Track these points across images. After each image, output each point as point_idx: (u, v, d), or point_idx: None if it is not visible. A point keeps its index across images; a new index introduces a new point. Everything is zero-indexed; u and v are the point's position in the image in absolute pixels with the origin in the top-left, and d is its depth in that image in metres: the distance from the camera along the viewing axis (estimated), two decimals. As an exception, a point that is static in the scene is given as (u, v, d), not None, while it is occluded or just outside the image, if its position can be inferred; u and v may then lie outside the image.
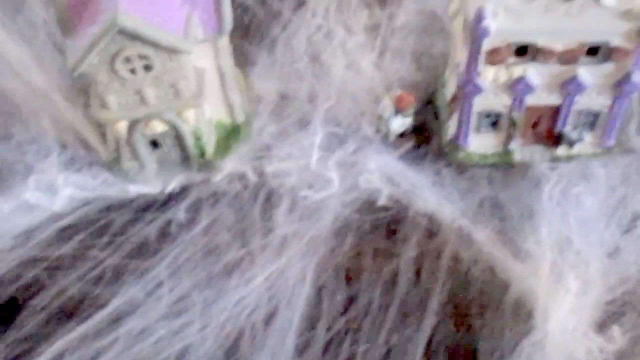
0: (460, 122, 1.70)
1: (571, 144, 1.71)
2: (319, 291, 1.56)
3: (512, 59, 1.57)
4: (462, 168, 1.73)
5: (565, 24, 1.49)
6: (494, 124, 1.71)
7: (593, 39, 1.52)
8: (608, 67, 1.57)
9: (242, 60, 1.90)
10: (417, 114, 1.79)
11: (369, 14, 2.02)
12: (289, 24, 2.00)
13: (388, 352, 1.46)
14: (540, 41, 1.52)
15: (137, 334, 1.48)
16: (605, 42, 1.52)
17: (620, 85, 1.59)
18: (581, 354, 1.43)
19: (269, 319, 1.51)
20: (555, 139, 1.72)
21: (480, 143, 1.75)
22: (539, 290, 1.49)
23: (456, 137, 1.74)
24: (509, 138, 1.72)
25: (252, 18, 2.02)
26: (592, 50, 1.55)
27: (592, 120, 1.69)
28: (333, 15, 2.03)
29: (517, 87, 1.60)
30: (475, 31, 1.50)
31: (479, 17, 1.47)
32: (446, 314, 1.51)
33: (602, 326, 1.46)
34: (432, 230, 1.62)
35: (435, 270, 1.56)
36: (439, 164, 1.74)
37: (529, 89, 1.60)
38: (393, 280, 1.56)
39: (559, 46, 1.53)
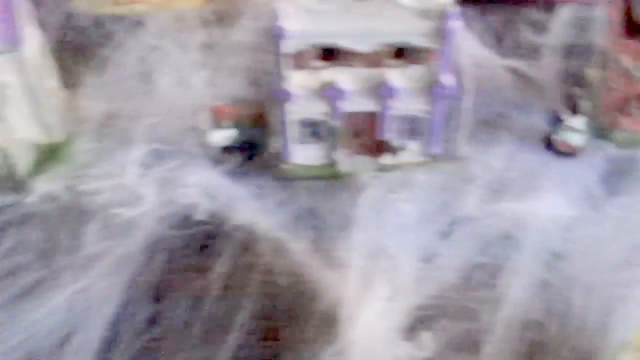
0: (279, 132, 1.66)
1: (395, 152, 1.68)
2: (122, 310, 1.46)
3: (318, 63, 1.54)
4: (286, 181, 1.68)
5: (365, 24, 1.47)
6: (316, 135, 1.67)
7: (394, 39, 1.50)
8: (417, 70, 1.55)
9: (72, 80, 1.84)
10: (248, 128, 1.74)
11: (205, 34, 1.98)
12: (123, 45, 1.95)
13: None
14: (344, 43, 1.50)
15: None
16: (408, 43, 1.50)
17: (432, 88, 1.57)
18: (387, 362, 1.35)
19: (64, 342, 1.41)
20: (378, 148, 1.69)
21: (304, 155, 1.70)
22: (347, 298, 1.42)
23: (280, 150, 1.69)
24: (332, 148, 1.68)
25: (85, 39, 1.97)
26: (399, 53, 1.53)
27: (414, 127, 1.66)
28: (170, 35, 1.98)
29: (328, 93, 1.57)
30: (272, 33, 1.46)
31: (274, 18, 1.44)
32: (253, 328, 1.43)
33: (411, 332, 1.40)
34: (248, 243, 1.56)
35: (246, 284, 1.49)
36: (264, 178, 1.69)
37: (340, 94, 1.57)
38: (201, 297, 1.48)
39: (363, 48, 1.50)
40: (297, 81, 1.54)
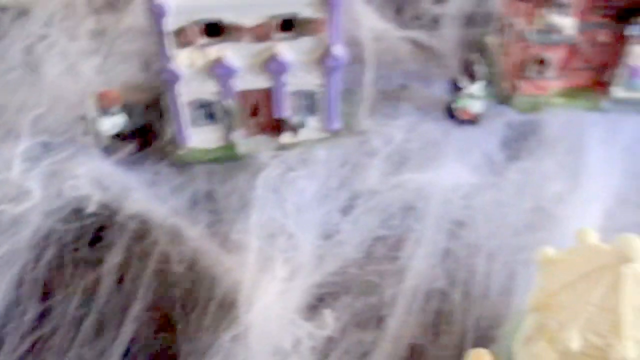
0: (173, 116, 1.59)
1: (294, 130, 1.63)
2: (8, 309, 1.38)
3: (204, 40, 1.47)
4: (183, 166, 1.61)
5: (248, -4, 1.42)
6: (211, 116, 1.61)
7: (280, 11, 1.44)
8: (307, 42, 1.50)
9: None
10: (140, 114, 1.67)
11: (96, 20, 1.90)
12: (7, 35, 1.85)
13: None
14: (228, 17, 1.44)
15: None
16: (294, 14, 1.45)
17: (323, 60, 1.52)
18: (288, 343, 1.30)
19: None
20: (277, 126, 1.63)
21: (201, 138, 1.63)
22: (245, 281, 1.37)
23: (176, 135, 1.62)
24: (229, 130, 1.62)
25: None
26: (287, 25, 1.48)
27: (311, 103, 1.62)
28: (57, 24, 1.89)
29: (217, 71, 1.51)
30: (152, 10, 1.39)
31: (152, -6, 1.37)
32: (148, 318, 1.36)
33: (313, 311, 1.35)
34: (142, 232, 1.49)
35: (140, 275, 1.43)
36: (160, 164, 1.62)
37: (230, 71, 1.51)
38: (93, 290, 1.40)
39: (248, 22, 1.45)
40: (184, 60, 1.48)
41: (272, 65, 1.51)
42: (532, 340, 1.22)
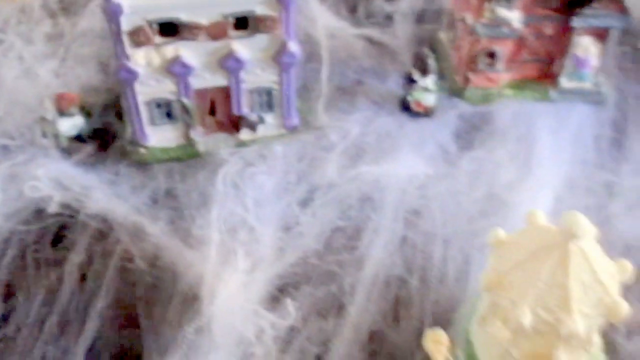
0: (131, 116, 1.60)
1: (252, 127, 1.66)
2: (-30, 313, 1.38)
3: (160, 39, 1.50)
4: (143, 165, 1.63)
5: (201, -5, 1.44)
6: (169, 115, 1.63)
7: (234, 9, 1.47)
8: (262, 40, 1.53)
9: None
10: (99, 116, 1.69)
11: (52, 23, 1.91)
12: (-39, 40, 1.85)
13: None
14: (183, 16, 1.46)
15: None
16: (249, 12, 1.48)
17: (279, 57, 1.55)
18: (251, 333, 1.33)
19: None
20: (236, 124, 1.66)
21: (160, 137, 1.65)
22: (207, 274, 1.39)
23: (135, 134, 1.64)
24: (187, 128, 1.64)
25: None
26: (242, 23, 1.51)
27: (268, 100, 1.65)
28: (13, 28, 1.89)
29: (175, 69, 1.53)
30: (107, 10, 1.41)
31: (107, -6, 1.39)
32: (112, 315, 1.38)
33: (274, 302, 1.38)
34: (104, 231, 1.50)
35: (103, 272, 1.44)
36: (120, 164, 1.64)
37: (187, 70, 1.53)
38: (56, 290, 1.41)
39: (203, 20, 1.47)
40: (141, 59, 1.50)
41: (229, 63, 1.54)
42: (486, 320, 1.26)
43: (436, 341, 1.20)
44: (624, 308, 1.15)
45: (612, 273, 1.17)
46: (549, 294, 1.14)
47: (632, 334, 1.36)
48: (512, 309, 1.16)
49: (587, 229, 1.11)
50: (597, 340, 1.24)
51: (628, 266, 1.19)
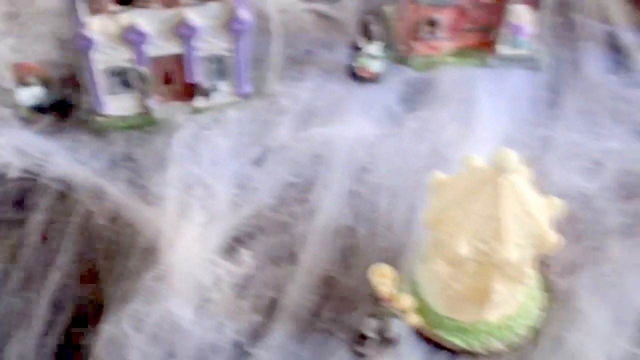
0: (89, 84, 1.66)
1: (207, 94, 1.72)
2: None
3: (115, 7, 1.56)
4: (102, 133, 1.69)
5: (149, -38, 1.51)
6: (126, 84, 1.69)
7: (184, -24, 1.54)
8: (214, 7, 1.60)
9: None
10: (58, 89, 1.74)
11: (8, 2, 1.96)
12: None
13: (8, 314, 1.36)
14: (131, -16, 1.53)
15: None
16: (199, -21, 1.55)
17: (231, 25, 1.63)
18: (208, 280, 1.39)
19: None
20: (190, 91, 1.73)
21: (117, 106, 1.71)
22: (165, 228, 1.46)
23: (93, 103, 1.70)
24: (144, 96, 1.70)
25: None
26: (194, -9, 1.58)
27: (221, 67, 1.71)
28: (-31, 7, 1.94)
29: (130, 37, 1.59)
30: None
31: (61, -38, 1.45)
32: (74, 269, 1.44)
33: (230, 251, 1.45)
34: (64, 193, 1.56)
35: (64, 230, 1.49)
36: (80, 133, 1.69)
37: (142, 38, 1.60)
38: (18, 246, 1.46)
39: (155, -12, 1.54)
40: (96, 27, 1.56)
41: (182, 30, 1.61)
42: (429, 258, 1.35)
43: (381, 274, 1.28)
44: (553, 238, 1.25)
45: (542, 207, 1.27)
46: (483, 225, 1.23)
47: (566, 272, 1.46)
48: (450, 241, 1.24)
49: (516, 163, 1.21)
50: (530, 273, 1.34)
51: (557, 202, 1.29)
